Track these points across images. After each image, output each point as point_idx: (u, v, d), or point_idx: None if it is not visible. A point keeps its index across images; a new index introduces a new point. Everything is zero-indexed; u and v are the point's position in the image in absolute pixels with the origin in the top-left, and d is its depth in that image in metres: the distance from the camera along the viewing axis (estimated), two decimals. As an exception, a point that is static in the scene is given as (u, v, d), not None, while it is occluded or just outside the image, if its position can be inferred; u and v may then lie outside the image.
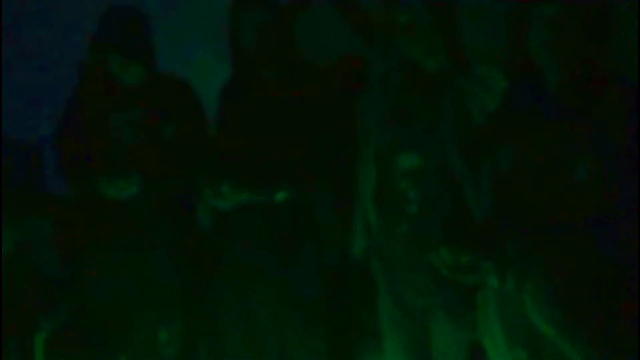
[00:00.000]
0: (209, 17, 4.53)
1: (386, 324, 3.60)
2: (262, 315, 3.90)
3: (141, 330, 4.00)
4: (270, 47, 3.86)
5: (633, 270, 2.94)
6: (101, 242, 3.99)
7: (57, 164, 4.07)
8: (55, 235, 4.06)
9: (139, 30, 3.97)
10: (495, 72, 3.31)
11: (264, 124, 3.86)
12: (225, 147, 3.93)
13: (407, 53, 3.43)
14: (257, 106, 3.90)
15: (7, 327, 3.94)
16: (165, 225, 4.01)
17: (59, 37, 4.80)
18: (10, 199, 3.98)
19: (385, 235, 3.55)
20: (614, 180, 2.95)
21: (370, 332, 3.83)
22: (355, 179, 3.66)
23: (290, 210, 3.86)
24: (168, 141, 4.00)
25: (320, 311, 3.90)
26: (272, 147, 3.83)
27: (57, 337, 4.02)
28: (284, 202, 3.84)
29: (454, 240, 3.19)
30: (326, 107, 3.88)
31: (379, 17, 3.54)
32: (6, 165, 4.08)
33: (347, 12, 4.58)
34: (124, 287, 3.98)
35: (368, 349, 3.95)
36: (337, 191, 3.82)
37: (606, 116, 2.97)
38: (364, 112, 3.63)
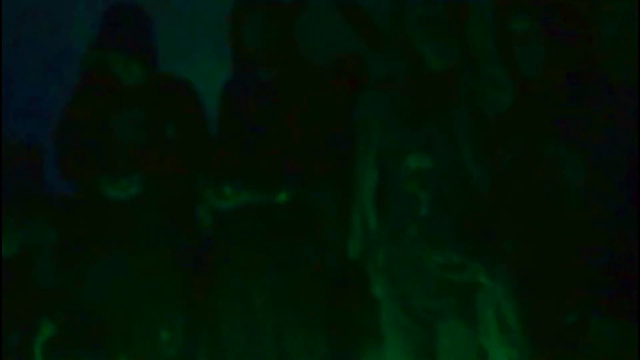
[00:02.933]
0: (210, 18, 4.54)
1: (389, 328, 3.58)
2: (262, 316, 3.90)
3: (142, 330, 4.00)
4: (272, 47, 3.86)
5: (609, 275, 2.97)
6: (102, 242, 3.99)
7: (58, 164, 4.06)
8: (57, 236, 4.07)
9: (140, 29, 3.96)
10: (504, 71, 3.32)
11: (265, 124, 3.87)
12: (226, 147, 3.94)
13: (420, 48, 3.43)
14: (259, 106, 3.90)
15: (7, 327, 3.94)
16: (166, 225, 4.01)
17: (60, 36, 4.79)
18: (15, 199, 3.98)
19: (390, 237, 3.54)
20: (600, 183, 2.97)
21: (370, 333, 3.83)
22: (353, 180, 3.66)
23: (291, 210, 3.86)
24: (169, 141, 4.00)
25: (320, 311, 3.90)
26: (274, 147, 3.84)
27: (58, 337, 4.01)
28: (285, 203, 3.84)
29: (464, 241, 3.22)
30: (328, 106, 3.89)
31: (392, 12, 3.54)
32: (7, 165, 4.07)
33: (347, 12, 4.59)
34: (124, 287, 3.98)
35: (368, 349, 3.95)
36: (339, 192, 3.82)
37: (592, 119, 3.00)
38: (365, 113, 3.62)
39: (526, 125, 3.13)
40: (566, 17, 3.09)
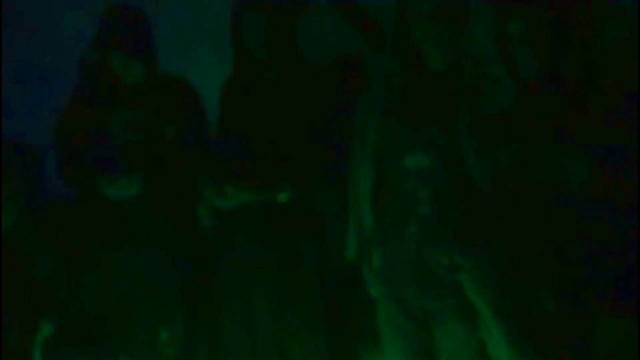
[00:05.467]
0: (210, 17, 4.54)
1: (387, 329, 3.59)
2: (263, 315, 3.90)
3: (141, 330, 4.00)
4: (273, 47, 3.87)
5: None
6: (102, 241, 4.00)
7: (58, 164, 4.07)
8: (55, 235, 4.06)
9: (140, 28, 3.98)
10: (504, 71, 3.34)
11: (266, 123, 3.87)
12: (227, 146, 3.94)
13: (421, 45, 3.44)
14: (259, 106, 3.90)
15: (7, 327, 3.94)
16: (166, 224, 4.01)
17: (60, 35, 4.80)
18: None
19: (389, 236, 3.54)
20: (602, 183, 2.97)
21: (370, 333, 3.83)
22: (349, 179, 3.67)
23: (292, 210, 3.86)
24: (169, 141, 4.00)
25: (320, 311, 3.91)
26: (275, 146, 3.84)
27: (57, 337, 4.01)
28: (286, 202, 3.84)
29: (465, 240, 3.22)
30: (329, 106, 3.89)
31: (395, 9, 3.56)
32: (7, 165, 4.07)
33: (347, 12, 4.59)
34: (124, 287, 3.99)
35: (368, 349, 3.95)
36: (340, 191, 3.82)
37: (593, 120, 3.01)
38: (363, 112, 3.63)
39: (526, 125, 3.14)
40: (563, 19, 3.11)
